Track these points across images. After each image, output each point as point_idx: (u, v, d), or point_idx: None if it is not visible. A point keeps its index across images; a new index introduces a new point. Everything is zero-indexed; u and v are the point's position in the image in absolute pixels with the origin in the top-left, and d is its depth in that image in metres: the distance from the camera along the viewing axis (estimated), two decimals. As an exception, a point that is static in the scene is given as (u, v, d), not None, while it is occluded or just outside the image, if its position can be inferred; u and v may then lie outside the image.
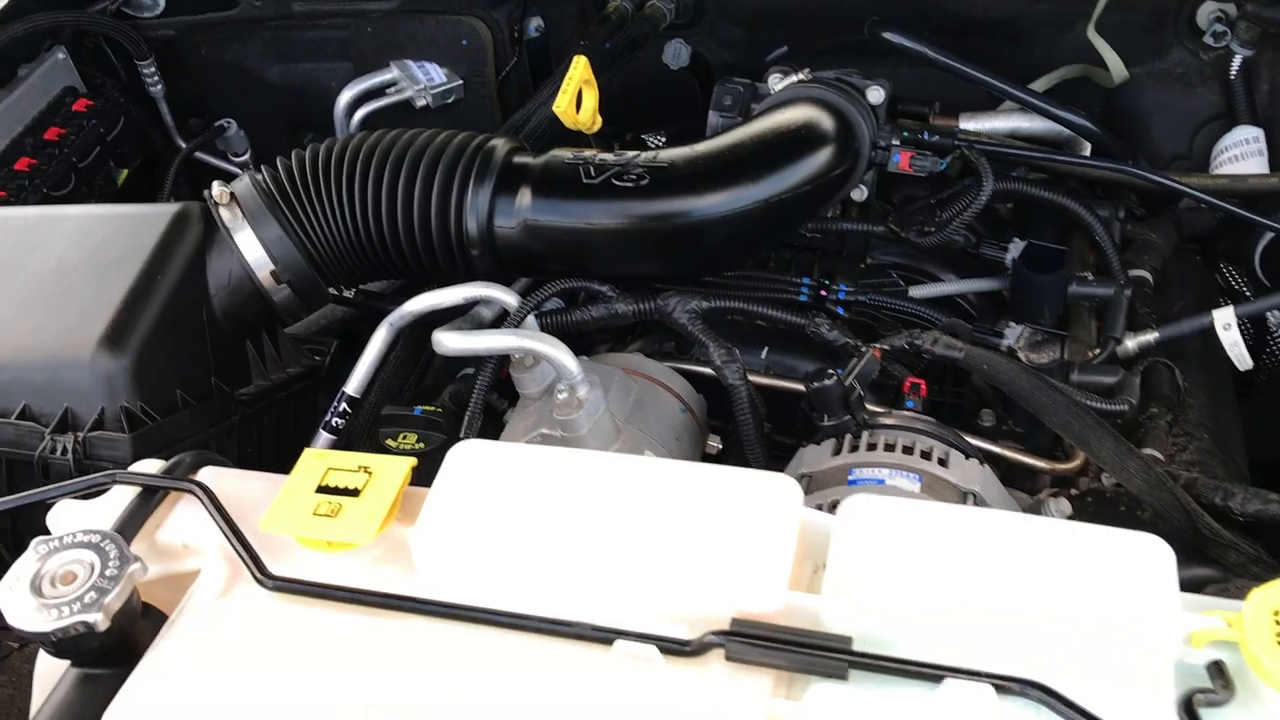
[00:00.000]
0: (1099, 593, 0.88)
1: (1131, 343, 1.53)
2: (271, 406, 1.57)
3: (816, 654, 0.87)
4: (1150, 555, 0.90)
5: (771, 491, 0.97)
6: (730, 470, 0.99)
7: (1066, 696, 0.82)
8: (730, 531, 0.95)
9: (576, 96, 1.54)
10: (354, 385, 1.47)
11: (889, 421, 1.33)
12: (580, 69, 1.53)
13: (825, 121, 1.54)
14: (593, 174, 1.42)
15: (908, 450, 1.28)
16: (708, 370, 1.46)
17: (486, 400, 1.52)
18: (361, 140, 1.52)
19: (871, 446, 1.29)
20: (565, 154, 1.48)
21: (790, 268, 1.70)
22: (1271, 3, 1.78)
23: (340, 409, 1.47)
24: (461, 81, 2.15)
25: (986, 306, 1.70)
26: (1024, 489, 1.45)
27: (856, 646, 0.88)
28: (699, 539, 0.95)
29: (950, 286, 1.67)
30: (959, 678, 0.84)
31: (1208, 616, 0.88)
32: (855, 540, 0.93)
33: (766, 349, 1.54)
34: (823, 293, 1.59)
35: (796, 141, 1.49)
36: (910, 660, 0.86)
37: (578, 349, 1.52)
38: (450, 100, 2.16)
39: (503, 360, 1.40)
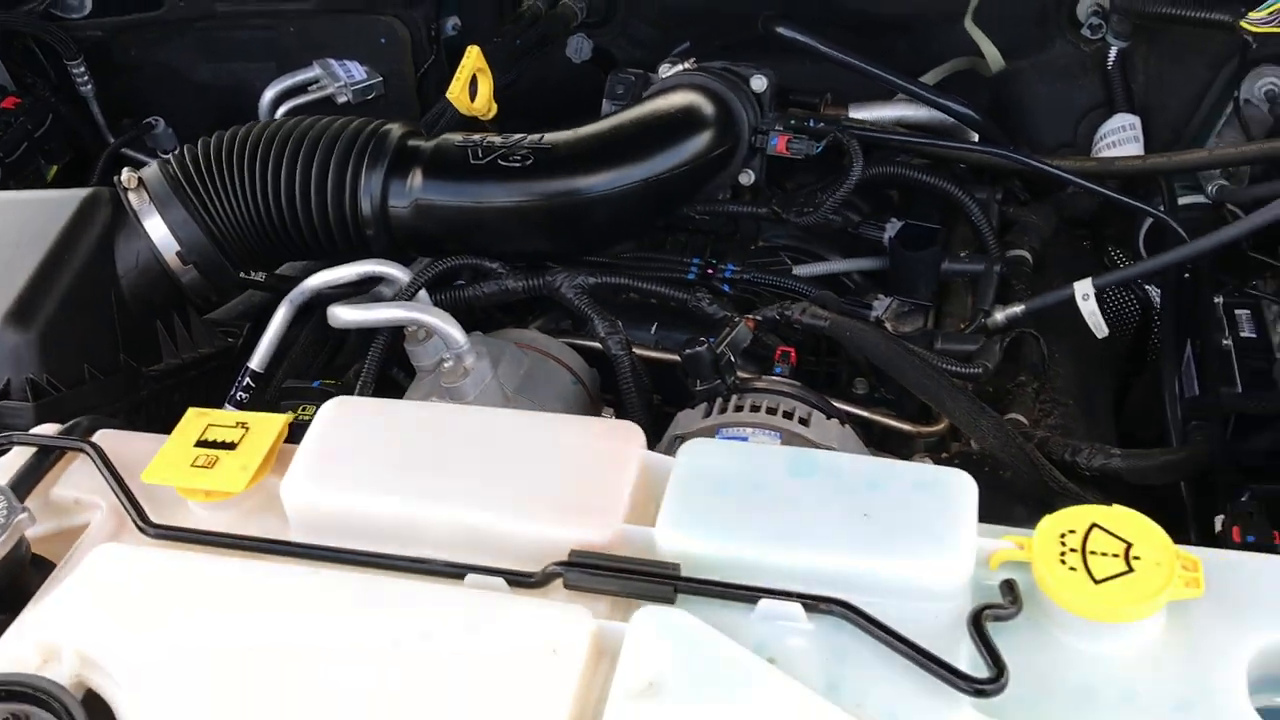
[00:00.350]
0: (906, 519, 0.94)
1: (1000, 315, 1.60)
2: (183, 385, 1.61)
3: (646, 580, 0.93)
4: (955, 487, 0.97)
5: (615, 435, 1.03)
6: (579, 418, 1.06)
7: (866, 612, 0.88)
8: (575, 472, 1.01)
9: (471, 84, 1.60)
10: (257, 360, 1.52)
11: (758, 385, 1.39)
12: (473, 58, 1.60)
13: (705, 106, 1.61)
14: (480, 155, 1.48)
15: (771, 411, 1.34)
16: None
17: (388, 374, 1.58)
18: (264, 126, 1.57)
19: (739, 408, 1.36)
20: (456, 137, 1.54)
21: (685, 249, 1.76)
22: (1139, -3, 1.86)
23: (244, 383, 1.52)
24: (381, 78, 2.21)
25: (871, 284, 1.77)
26: (900, 455, 1.52)
27: (685, 573, 0.94)
28: (547, 480, 1.01)
29: (833, 265, 1.74)
30: (772, 598, 0.91)
31: (1004, 540, 0.94)
32: (689, 477, 1.00)
33: (656, 325, 1.60)
34: (710, 271, 1.66)
35: (676, 124, 1.56)
36: (730, 584, 0.92)
37: (483, 328, 1.59)
38: (371, 96, 2.21)
39: (396, 333, 1.46)
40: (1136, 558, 0.89)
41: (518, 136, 1.51)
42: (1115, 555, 0.90)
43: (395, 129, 1.55)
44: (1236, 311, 1.71)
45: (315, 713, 0.87)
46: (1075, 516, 0.93)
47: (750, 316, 1.46)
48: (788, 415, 1.34)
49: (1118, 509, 0.94)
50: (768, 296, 1.67)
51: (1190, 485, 1.49)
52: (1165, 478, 1.41)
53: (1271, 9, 1.66)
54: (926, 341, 1.52)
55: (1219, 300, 1.72)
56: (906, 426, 1.49)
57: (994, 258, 1.68)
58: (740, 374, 1.40)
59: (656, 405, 1.55)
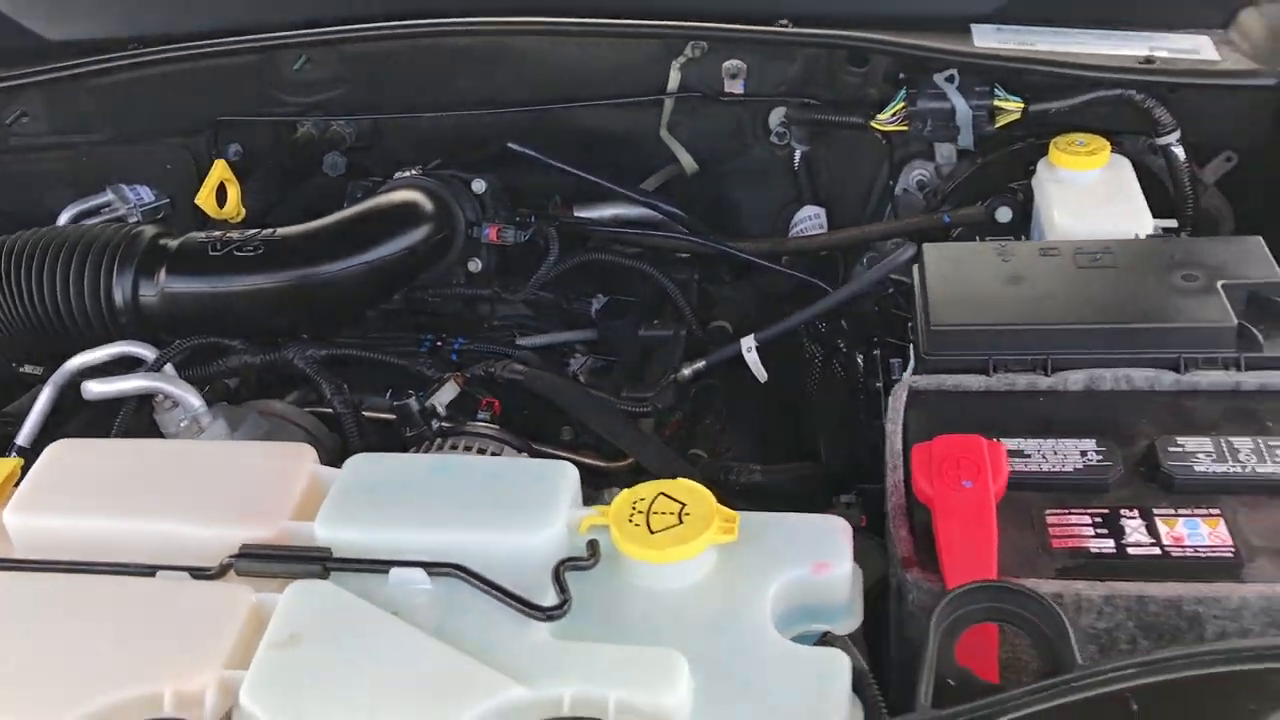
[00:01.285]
0: (518, 500, 1.14)
1: (688, 369, 1.82)
2: (-45, 469, 1.73)
3: (301, 562, 1.10)
4: (559, 474, 1.17)
5: (289, 454, 1.22)
6: (261, 444, 1.23)
7: (473, 570, 1.07)
8: (253, 485, 1.18)
9: (220, 191, 1.80)
10: (24, 437, 1.64)
11: (462, 430, 1.59)
12: (218, 169, 1.80)
13: (424, 201, 1.83)
14: (219, 248, 1.67)
15: (468, 449, 1.54)
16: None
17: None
18: (33, 234, 1.73)
19: (440, 449, 1.55)
20: (200, 235, 1.73)
21: (423, 328, 1.96)
22: (802, 107, 2.16)
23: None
24: (169, 200, 2.36)
25: (588, 351, 1.99)
26: (601, 490, 1.72)
27: (336, 555, 1.11)
28: (230, 492, 1.18)
29: (553, 337, 1.95)
30: (401, 568, 1.09)
31: (594, 510, 1.15)
32: (349, 482, 1.18)
33: (390, 390, 1.79)
34: (439, 344, 1.86)
35: (396, 215, 1.78)
36: (368, 560, 1.10)
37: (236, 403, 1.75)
38: (160, 216, 2.37)
39: (139, 402, 1.61)
40: (688, 514, 1.10)
41: (253, 231, 1.70)
42: (671, 514, 1.10)
43: (148, 230, 1.72)
44: (892, 360, 1.98)
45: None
46: (648, 489, 1.13)
47: (459, 374, 1.66)
48: (481, 452, 1.54)
49: (682, 481, 1.14)
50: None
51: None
52: (798, 487, 1.65)
53: (894, 110, 1.97)
54: (615, 390, 1.74)
55: (876, 353, 1.99)
56: (601, 463, 1.69)
57: (683, 324, 1.92)
58: (445, 423, 1.59)
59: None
